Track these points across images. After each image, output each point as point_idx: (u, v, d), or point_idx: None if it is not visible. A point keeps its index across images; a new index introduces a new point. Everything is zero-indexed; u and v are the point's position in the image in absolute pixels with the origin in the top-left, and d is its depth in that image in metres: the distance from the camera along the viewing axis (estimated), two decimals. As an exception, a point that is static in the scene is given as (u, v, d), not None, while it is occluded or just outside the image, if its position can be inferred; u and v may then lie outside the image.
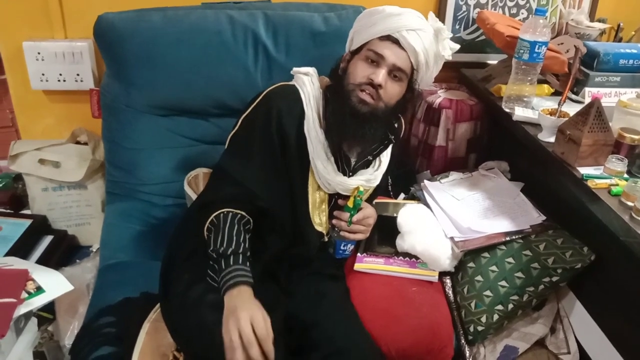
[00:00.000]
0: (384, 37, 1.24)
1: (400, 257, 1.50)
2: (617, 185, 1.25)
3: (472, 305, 1.42)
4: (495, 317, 1.39)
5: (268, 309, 1.24)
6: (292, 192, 1.31)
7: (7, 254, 1.63)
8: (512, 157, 1.73)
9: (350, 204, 1.34)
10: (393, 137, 1.38)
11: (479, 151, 1.87)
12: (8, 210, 1.92)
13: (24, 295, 1.30)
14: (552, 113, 1.46)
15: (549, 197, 1.53)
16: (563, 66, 1.65)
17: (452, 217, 1.52)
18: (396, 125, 1.42)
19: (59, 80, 1.81)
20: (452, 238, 1.48)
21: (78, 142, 1.90)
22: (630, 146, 1.32)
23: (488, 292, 1.41)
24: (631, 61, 1.67)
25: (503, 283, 1.40)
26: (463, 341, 1.43)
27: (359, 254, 1.50)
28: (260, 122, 1.26)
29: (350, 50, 1.32)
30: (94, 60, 1.82)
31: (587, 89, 1.66)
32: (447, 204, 1.57)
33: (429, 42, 1.26)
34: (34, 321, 1.51)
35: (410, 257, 1.49)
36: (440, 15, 1.93)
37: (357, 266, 1.47)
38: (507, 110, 1.62)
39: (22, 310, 1.27)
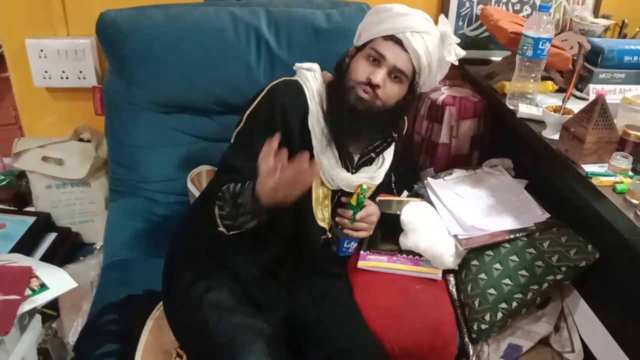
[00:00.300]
0: (388, 36, 1.24)
1: (404, 255, 1.50)
2: (621, 182, 1.24)
3: (476, 303, 1.42)
4: (499, 315, 1.39)
5: (269, 307, 1.24)
6: None
7: (11, 251, 1.63)
8: (516, 154, 1.73)
9: (353, 201, 1.33)
10: (396, 134, 1.38)
11: (482, 148, 1.87)
12: (12, 208, 1.92)
13: (28, 292, 1.30)
14: (556, 110, 1.46)
15: (553, 194, 1.52)
16: (567, 63, 1.64)
17: (456, 214, 1.52)
18: (399, 122, 1.41)
19: (61, 78, 1.81)
20: (455, 236, 1.48)
21: (81, 140, 1.90)
22: (635, 143, 1.31)
23: (492, 290, 1.40)
24: (636, 58, 1.66)
25: (507, 281, 1.39)
26: (467, 339, 1.43)
27: (362, 252, 1.49)
28: (264, 117, 1.26)
29: (356, 46, 1.32)
30: (96, 57, 1.81)
31: (591, 86, 1.65)
32: (451, 201, 1.57)
33: (434, 45, 1.25)
34: (38, 318, 1.52)
35: (414, 255, 1.49)
36: (444, 11, 1.92)
37: (361, 264, 1.46)
38: (510, 107, 1.61)
39: (26, 307, 1.27)
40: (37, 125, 1.92)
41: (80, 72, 1.81)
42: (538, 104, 1.60)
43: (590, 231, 1.38)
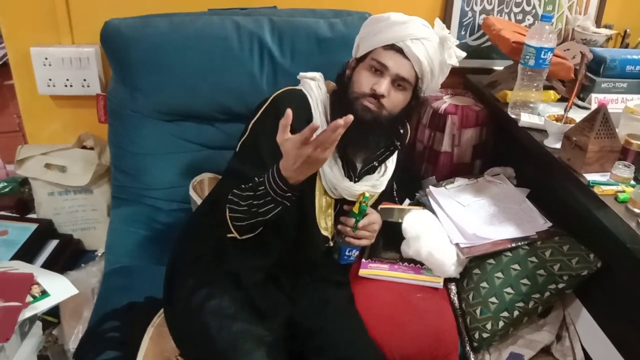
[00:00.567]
0: (388, 46, 1.24)
1: (405, 263, 1.49)
2: (623, 192, 1.24)
3: (478, 311, 1.41)
4: (501, 324, 1.38)
5: (271, 314, 1.24)
6: (300, 195, 1.31)
7: (13, 258, 1.64)
8: (518, 163, 1.73)
9: (355, 209, 1.33)
10: (399, 143, 1.38)
11: (484, 157, 1.87)
12: (14, 215, 1.93)
13: (29, 299, 1.30)
14: (558, 119, 1.46)
15: (555, 203, 1.52)
16: (569, 72, 1.64)
17: (458, 223, 1.52)
18: (402, 131, 1.42)
19: (65, 86, 1.82)
20: (457, 244, 1.47)
21: (84, 147, 1.91)
22: (637, 152, 1.32)
23: (493, 299, 1.40)
24: (638, 67, 1.66)
25: (509, 290, 1.39)
26: (468, 348, 1.43)
27: (363, 260, 1.49)
28: (269, 127, 1.26)
29: (356, 57, 1.32)
30: (100, 65, 1.83)
31: (593, 95, 1.65)
32: (453, 210, 1.57)
33: (434, 50, 1.26)
34: (38, 325, 1.52)
35: (415, 263, 1.49)
36: (446, 21, 1.93)
37: (362, 272, 1.46)
38: (512, 116, 1.61)
39: (27, 314, 1.28)
40: (41, 132, 1.93)
41: (84, 80, 1.82)
42: (540, 113, 1.60)
43: (592, 240, 1.37)
